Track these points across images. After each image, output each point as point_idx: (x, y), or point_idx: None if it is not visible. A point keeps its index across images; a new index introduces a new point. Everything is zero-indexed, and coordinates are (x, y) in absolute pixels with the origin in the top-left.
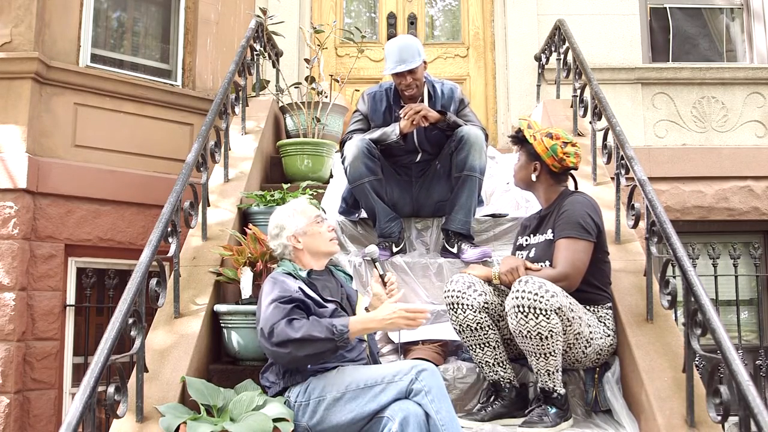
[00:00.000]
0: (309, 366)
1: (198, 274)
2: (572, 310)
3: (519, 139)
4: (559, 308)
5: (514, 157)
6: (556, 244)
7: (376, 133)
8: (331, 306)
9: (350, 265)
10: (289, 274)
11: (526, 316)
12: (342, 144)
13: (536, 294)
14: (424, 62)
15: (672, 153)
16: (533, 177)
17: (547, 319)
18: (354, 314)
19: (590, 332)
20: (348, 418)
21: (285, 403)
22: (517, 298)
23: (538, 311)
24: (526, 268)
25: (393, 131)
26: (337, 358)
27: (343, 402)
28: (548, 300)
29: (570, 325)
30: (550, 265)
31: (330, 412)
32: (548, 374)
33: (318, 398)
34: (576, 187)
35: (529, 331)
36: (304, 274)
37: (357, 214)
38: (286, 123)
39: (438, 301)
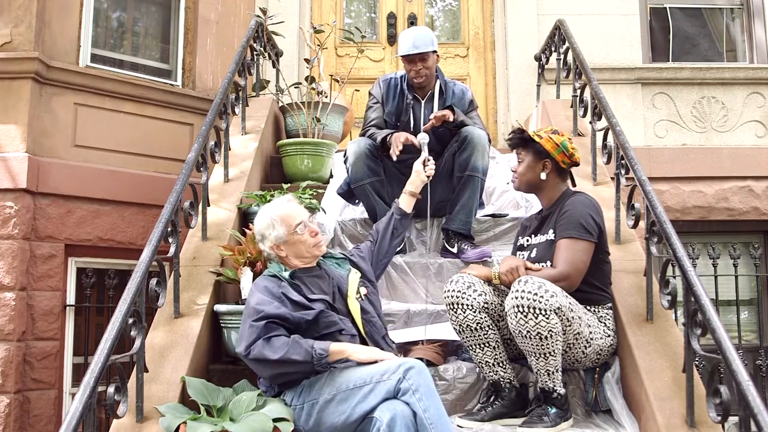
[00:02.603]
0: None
1: (198, 274)
2: (572, 310)
3: (522, 140)
4: (558, 308)
5: (514, 159)
6: (557, 244)
7: (377, 137)
8: (317, 307)
9: None
10: (275, 276)
11: (525, 316)
12: (363, 134)
13: (536, 294)
14: (437, 54)
15: (672, 153)
16: (543, 176)
17: (547, 319)
18: (345, 302)
19: (590, 332)
20: (341, 420)
21: None
22: (516, 297)
23: (537, 311)
24: (527, 268)
25: (386, 137)
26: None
27: (335, 404)
28: (548, 300)
29: (570, 325)
30: (552, 266)
31: (323, 414)
32: (548, 374)
33: (311, 401)
34: (574, 185)
35: (528, 331)
36: (287, 275)
37: (357, 200)
38: (286, 123)
39: (438, 300)
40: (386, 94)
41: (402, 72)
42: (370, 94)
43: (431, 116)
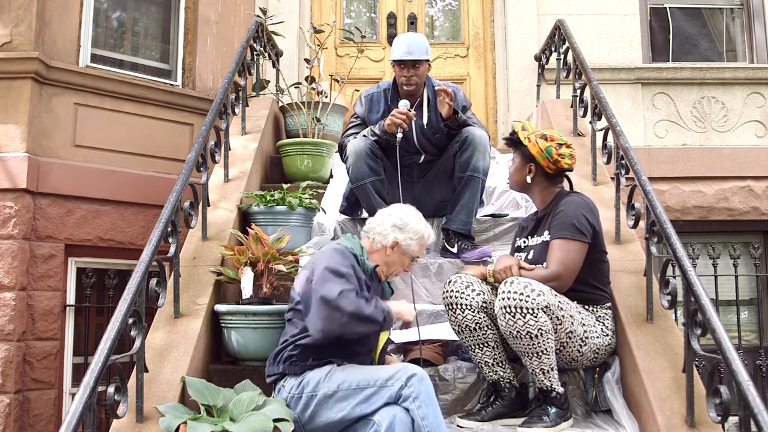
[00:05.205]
0: (311, 360)
1: (198, 274)
2: (561, 308)
3: (514, 141)
4: (546, 306)
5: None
6: (550, 245)
7: (374, 130)
8: None
9: None
10: (355, 256)
11: (513, 316)
12: (340, 147)
13: (521, 294)
14: (429, 64)
15: (672, 153)
16: (528, 179)
17: (535, 317)
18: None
19: (584, 331)
20: (338, 417)
21: (278, 391)
22: (503, 299)
23: (525, 310)
24: (521, 268)
25: (379, 127)
26: (344, 354)
27: (334, 400)
28: (534, 299)
29: (561, 324)
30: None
31: (321, 408)
32: (543, 373)
33: (311, 393)
34: (571, 188)
35: (518, 331)
36: (370, 267)
37: (359, 212)
38: (286, 123)
39: (438, 301)
40: (369, 110)
41: (385, 83)
42: (353, 113)
43: (438, 88)
